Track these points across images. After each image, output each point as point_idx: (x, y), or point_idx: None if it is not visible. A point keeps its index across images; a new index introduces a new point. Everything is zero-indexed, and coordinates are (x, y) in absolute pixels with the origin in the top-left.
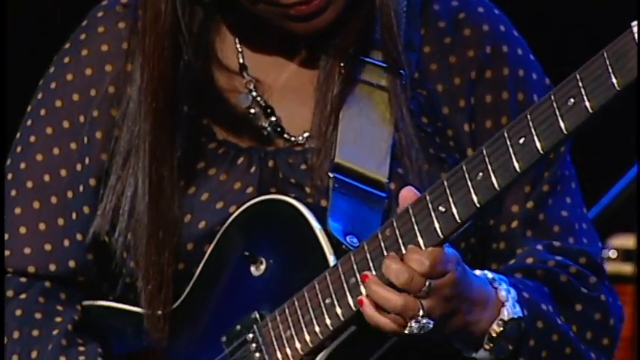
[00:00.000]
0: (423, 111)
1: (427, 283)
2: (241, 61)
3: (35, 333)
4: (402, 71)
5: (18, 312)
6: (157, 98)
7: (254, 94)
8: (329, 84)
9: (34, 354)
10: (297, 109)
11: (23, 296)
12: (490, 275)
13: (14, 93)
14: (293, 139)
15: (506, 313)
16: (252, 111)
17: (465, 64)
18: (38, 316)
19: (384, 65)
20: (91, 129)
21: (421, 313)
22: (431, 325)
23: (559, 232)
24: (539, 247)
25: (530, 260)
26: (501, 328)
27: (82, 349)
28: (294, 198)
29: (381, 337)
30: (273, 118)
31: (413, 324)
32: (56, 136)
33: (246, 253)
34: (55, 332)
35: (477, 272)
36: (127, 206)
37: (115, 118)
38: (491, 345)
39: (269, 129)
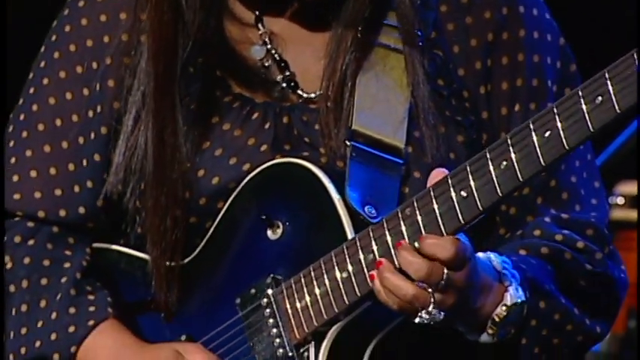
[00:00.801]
0: (439, 73)
1: (445, 277)
2: (257, 13)
3: (44, 282)
4: (418, 32)
5: (27, 260)
6: (158, 62)
7: (268, 46)
8: (339, 51)
9: (42, 303)
10: (312, 65)
11: (31, 242)
12: (493, 258)
13: (14, 93)
14: (306, 95)
15: (509, 298)
16: (266, 64)
17: (481, 25)
18: (46, 263)
19: (400, 27)
20: (103, 76)
21: (432, 305)
22: (441, 317)
23: (567, 200)
24: (547, 219)
25: (537, 233)
26: (505, 313)
27: (91, 297)
28: (311, 161)
29: (394, 314)
30: (288, 73)
31: (423, 314)
32: (69, 80)
33: (264, 217)
34: (63, 280)
35: (480, 255)
36: (138, 166)
37: (128, 67)
38: (495, 329)
39: (283, 84)
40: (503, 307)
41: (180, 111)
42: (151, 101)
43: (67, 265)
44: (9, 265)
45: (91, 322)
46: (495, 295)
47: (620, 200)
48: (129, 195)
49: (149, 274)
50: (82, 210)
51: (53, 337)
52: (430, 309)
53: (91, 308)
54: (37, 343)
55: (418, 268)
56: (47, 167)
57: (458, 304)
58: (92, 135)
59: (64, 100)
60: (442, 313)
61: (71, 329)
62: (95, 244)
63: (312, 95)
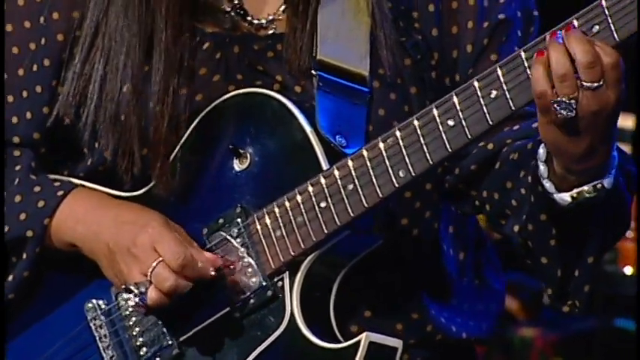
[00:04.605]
0: None
1: (603, 80)
2: None
3: None
4: None
5: None
6: None
7: None
8: None
9: None
10: None
11: None
12: None
13: None
14: (256, 22)
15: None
16: None
17: None
18: None
19: None
20: (48, 11)
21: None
22: (572, 114)
23: None
24: None
25: None
26: (595, 194)
27: (53, 177)
28: (276, 91)
29: (371, 239)
30: (236, 1)
31: (562, 101)
32: (11, 14)
33: (231, 146)
34: (17, 168)
35: None
36: (93, 94)
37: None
38: (576, 196)
39: (232, 13)
40: (598, 186)
41: (132, 42)
42: (105, 29)
43: (17, 153)
44: None
45: (60, 193)
46: (600, 169)
47: None
48: (82, 126)
49: None
50: (16, 139)
51: (22, 216)
52: (569, 101)
53: (57, 183)
54: (6, 229)
55: (587, 49)
56: None
57: (596, 117)
58: (34, 67)
59: (6, 32)
60: (574, 112)
61: (40, 204)
62: (50, 175)
63: (264, 22)
